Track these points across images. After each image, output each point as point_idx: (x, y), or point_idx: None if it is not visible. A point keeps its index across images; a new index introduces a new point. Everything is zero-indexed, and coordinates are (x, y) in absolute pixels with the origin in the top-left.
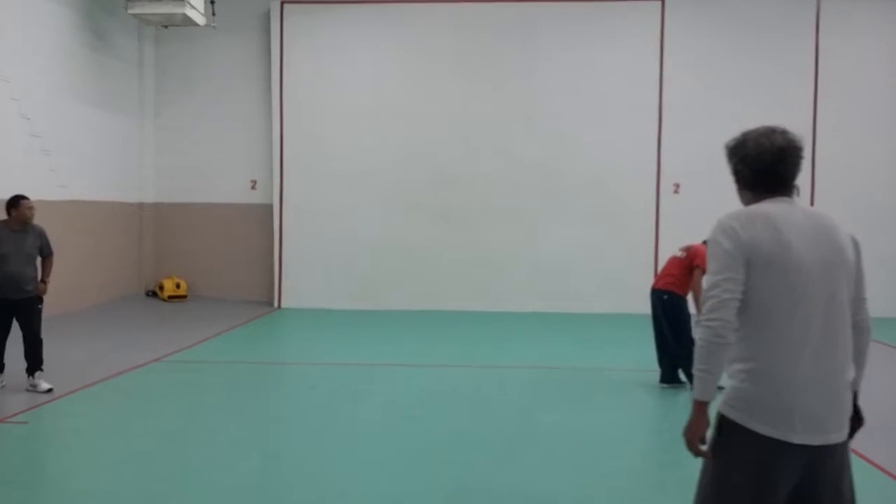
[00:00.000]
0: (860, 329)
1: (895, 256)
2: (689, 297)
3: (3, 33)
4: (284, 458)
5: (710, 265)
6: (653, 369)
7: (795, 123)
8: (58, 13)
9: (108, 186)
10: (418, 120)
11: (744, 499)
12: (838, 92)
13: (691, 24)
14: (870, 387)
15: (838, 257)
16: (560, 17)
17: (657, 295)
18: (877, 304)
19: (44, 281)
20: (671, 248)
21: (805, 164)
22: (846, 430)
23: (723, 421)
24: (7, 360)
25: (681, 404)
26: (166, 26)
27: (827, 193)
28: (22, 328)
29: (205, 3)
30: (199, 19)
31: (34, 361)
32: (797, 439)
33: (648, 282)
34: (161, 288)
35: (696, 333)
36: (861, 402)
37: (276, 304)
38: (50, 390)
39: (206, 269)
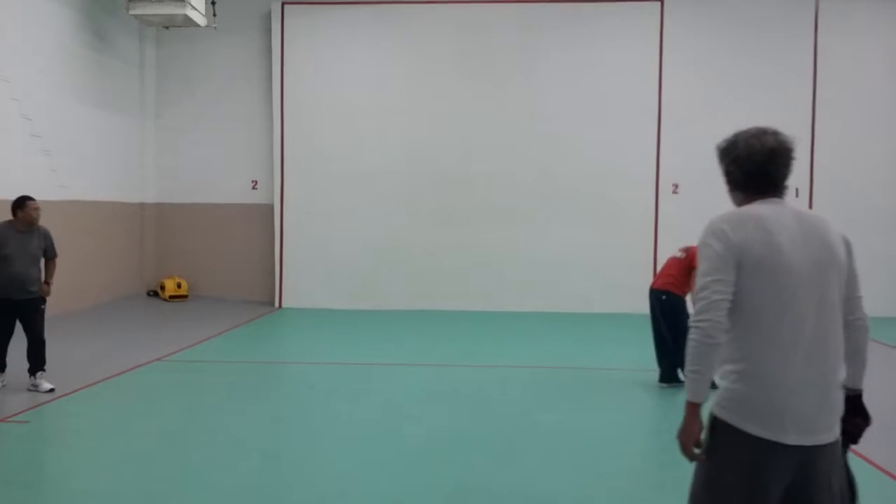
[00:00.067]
0: (857, 328)
1: (894, 256)
2: (688, 298)
3: (4, 33)
4: (284, 458)
5: (701, 266)
6: (652, 369)
7: (794, 123)
8: (59, 14)
9: (109, 187)
10: (419, 120)
11: (736, 499)
12: (837, 92)
13: (690, 24)
14: (870, 387)
15: (829, 258)
16: (560, 17)
17: (656, 295)
18: (876, 304)
19: (47, 283)
20: (670, 249)
21: (803, 165)
22: (837, 430)
23: (714, 422)
24: (8, 359)
25: (680, 404)
26: (167, 27)
27: (825, 193)
28: (25, 329)
29: (206, 3)
30: (200, 20)
31: (36, 362)
32: (788, 440)
33: (647, 282)
34: (162, 288)
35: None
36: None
37: (276, 303)
38: (52, 390)
39: (207, 269)
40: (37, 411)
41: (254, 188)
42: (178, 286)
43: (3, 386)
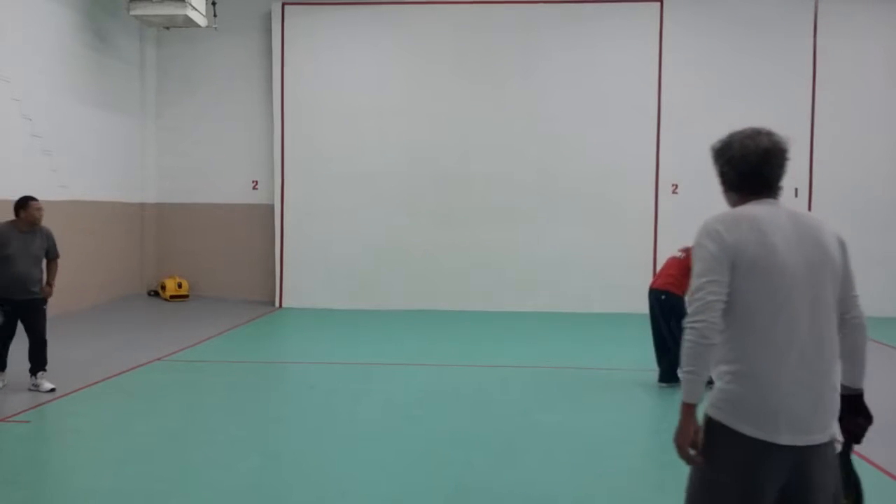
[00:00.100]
0: (854, 326)
1: (893, 256)
2: (688, 298)
3: (4, 34)
4: (284, 458)
5: (696, 267)
6: (652, 369)
7: (793, 123)
8: (59, 14)
9: (109, 187)
10: (419, 120)
11: (731, 500)
12: (836, 92)
13: (690, 24)
14: (870, 387)
15: (823, 258)
16: (559, 17)
17: (655, 295)
18: (876, 304)
19: (49, 284)
20: (670, 248)
21: (803, 165)
22: (832, 430)
23: (709, 422)
24: (9, 360)
25: (680, 403)
26: (168, 27)
27: (825, 193)
28: (27, 329)
29: (206, 4)
30: (201, 20)
31: (38, 362)
32: (783, 440)
33: (647, 282)
34: (163, 287)
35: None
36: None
37: (277, 303)
38: (52, 390)
39: (207, 268)
40: (37, 411)
41: (254, 188)
42: (179, 286)
43: (3, 386)
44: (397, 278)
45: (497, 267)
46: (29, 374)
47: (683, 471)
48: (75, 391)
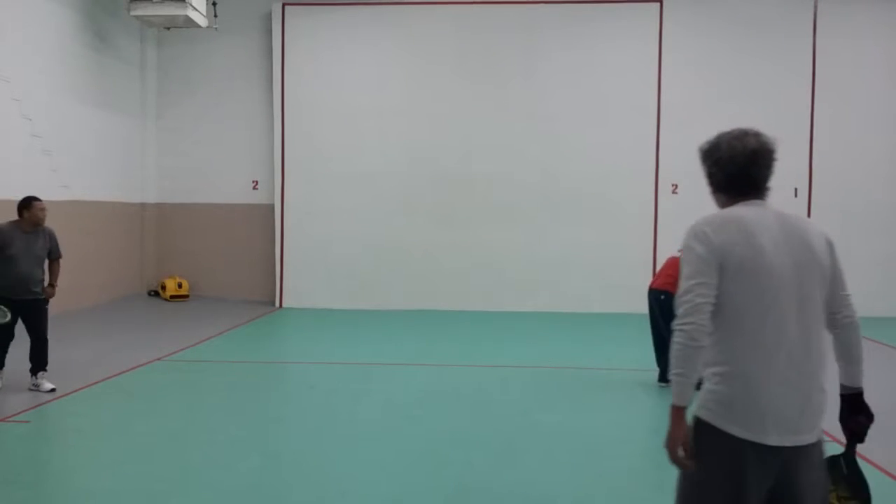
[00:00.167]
0: (846, 325)
1: (893, 256)
2: (676, 300)
3: (5, 34)
4: (284, 458)
5: (684, 270)
6: (651, 368)
7: (793, 124)
8: (59, 14)
9: (109, 187)
10: (419, 121)
11: (719, 501)
12: (835, 92)
13: (690, 24)
14: (870, 387)
15: (811, 258)
16: (560, 17)
17: (654, 295)
18: (876, 304)
19: (52, 285)
20: (670, 248)
21: (802, 165)
22: (819, 431)
23: (698, 424)
24: (11, 359)
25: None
26: (168, 28)
27: (824, 193)
28: (28, 329)
29: (206, 4)
30: (201, 21)
31: (39, 362)
32: (771, 441)
33: (647, 282)
34: (163, 287)
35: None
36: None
37: (277, 303)
38: (53, 390)
39: (207, 268)
40: (38, 411)
41: (254, 188)
42: (179, 286)
43: (0, 386)
44: (397, 278)
45: (497, 267)
46: (29, 374)
47: None
48: (75, 391)
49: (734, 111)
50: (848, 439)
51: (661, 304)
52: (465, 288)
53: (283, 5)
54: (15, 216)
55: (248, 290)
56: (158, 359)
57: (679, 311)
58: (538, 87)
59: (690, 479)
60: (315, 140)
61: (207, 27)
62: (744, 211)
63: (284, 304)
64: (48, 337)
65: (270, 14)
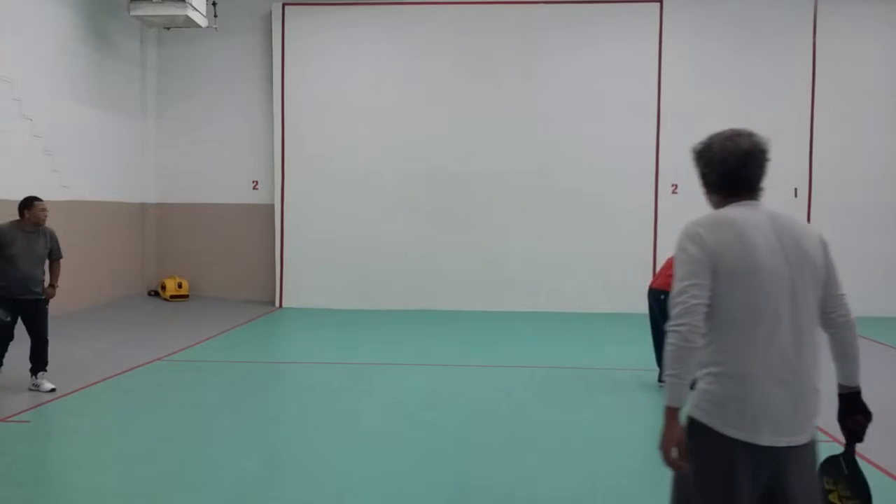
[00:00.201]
0: (841, 325)
1: (892, 256)
2: (670, 301)
3: (5, 34)
4: (284, 458)
5: (678, 271)
6: (652, 368)
7: (793, 124)
8: (60, 14)
9: (110, 187)
10: (419, 120)
11: (712, 499)
12: (836, 92)
13: (690, 24)
14: (870, 387)
15: (804, 259)
16: (559, 18)
17: (654, 294)
18: (876, 304)
19: (52, 285)
20: (669, 248)
21: (803, 165)
22: (812, 431)
23: (691, 424)
24: (11, 359)
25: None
26: (168, 28)
27: (825, 193)
28: (29, 329)
29: (207, 4)
30: (201, 21)
31: (39, 361)
32: (763, 441)
33: (647, 281)
34: (163, 287)
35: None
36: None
37: (277, 303)
38: (53, 390)
39: (207, 268)
40: (38, 411)
41: (254, 188)
42: (179, 286)
43: None
44: (397, 278)
45: (497, 267)
46: (29, 374)
47: None
48: (75, 391)
49: (734, 111)
50: (847, 439)
51: (661, 304)
52: (465, 288)
53: (283, 5)
54: (16, 216)
55: (248, 290)
56: (158, 359)
57: (673, 312)
58: (538, 87)
59: (684, 479)
60: (315, 140)
61: (207, 27)
62: (737, 211)
63: (284, 304)
64: (48, 337)
65: (270, 14)
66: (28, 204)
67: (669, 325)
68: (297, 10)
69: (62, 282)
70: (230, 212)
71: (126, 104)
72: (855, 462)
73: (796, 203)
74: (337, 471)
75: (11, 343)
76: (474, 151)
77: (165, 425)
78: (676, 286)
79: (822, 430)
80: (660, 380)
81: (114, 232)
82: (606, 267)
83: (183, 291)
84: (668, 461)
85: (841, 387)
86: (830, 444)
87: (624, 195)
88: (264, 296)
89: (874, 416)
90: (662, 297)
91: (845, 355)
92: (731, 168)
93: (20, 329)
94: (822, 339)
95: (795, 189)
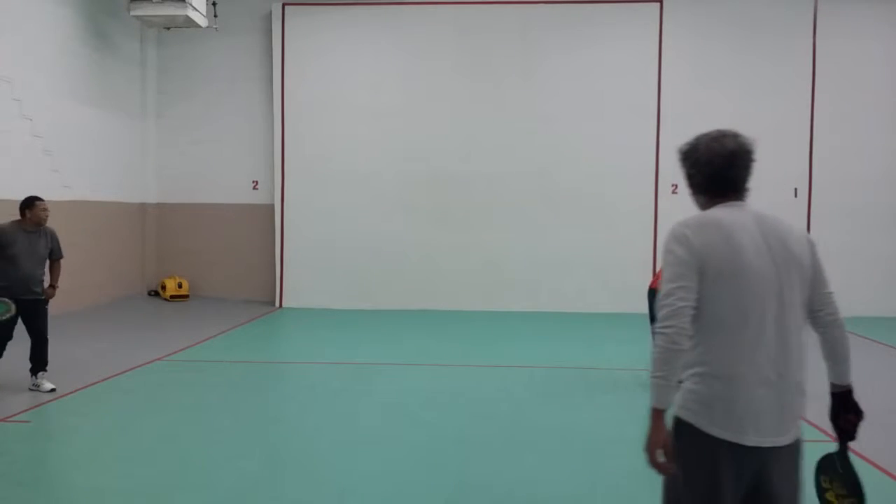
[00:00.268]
0: (829, 323)
1: (892, 256)
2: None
3: (5, 34)
4: (284, 458)
5: (665, 273)
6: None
7: (793, 124)
8: (60, 14)
9: (110, 187)
10: (419, 120)
11: (698, 498)
12: (836, 92)
13: (690, 25)
14: (870, 387)
15: (790, 259)
16: (559, 18)
17: (654, 294)
18: (876, 304)
19: (52, 285)
20: None
21: (803, 165)
22: (797, 431)
23: (678, 424)
24: (11, 359)
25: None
26: (168, 28)
27: (825, 193)
28: (28, 329)
29: (207, 4)
30: (201, 21)
31: (39, 361)
32: (749, 441)
33: (647, 281)
34: (163, 287)
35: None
36: (861, 402)
37: (277, 303)
38: (53, 390)
39: (207, 268)
40: (38, 411)
41: (254, 188)
42: (179, 286)
43: None
44: (397, 278)
45: (497, 267)
46: (29, 374)
47: None
48: (76, 391)
49: (734, 111)
50: (839, 437)
51: None
52: (465, 288)
53: (283, 5)
54: (16, 216)
55: (249, 290)
56: (158, 359)
57: (660, 314)
58: (538, 87)
59: (674, 478)
60: (315, 140)
61: (207, 27)
62: (723, 213)
63: (284, 304)
64: (48, 337)
65: (270, 14)
66: (29, 204)
67: (656, 327)
68: (297, 10)
69: (62, 282)
70: (230, 212)
71: (126, 104)
72: (848, 460)
73: (796, 203)
74: (337, 471)
75: (11, 343)
76: (474, 151)
77: (165, 425)
78: (663, 288)
79: (820, 428)
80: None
81: (114, 232)
82: (606, 267)
83: (183, 291)
84: (654, 463)
85: (832, 386)
86: (830, 443)
87: (624, 195)
88: (264, 296)
89: (875, 417)
90: None
91: (835, 354)
92: (717, 169)
93: (20, 329)
94: (811, 339)
95: (795, 189)
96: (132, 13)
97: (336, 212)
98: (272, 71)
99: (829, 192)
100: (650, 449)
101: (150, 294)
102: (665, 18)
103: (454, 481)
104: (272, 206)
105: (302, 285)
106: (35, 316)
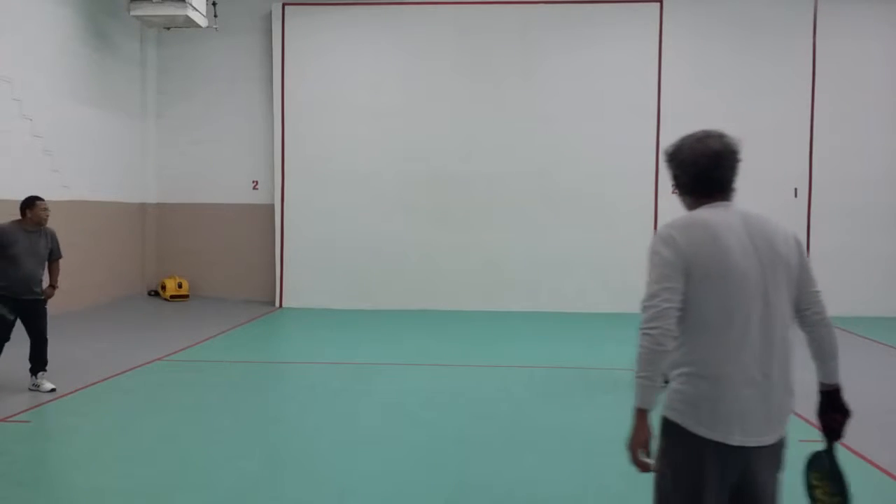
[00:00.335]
0: (816, 322)
1: (892, 256)
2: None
3: (5, 34)
4: (284, 458)
5: (650, 274)
6: None
7: (793, 124)
8: (60, 14)
9: (110, 187)
10: (419, 120)
11: (683, 499)
12: (836, 92)
13: (690, 25)
14: (869, 386)
15: (776, 259)
16: (559, 18)
17: None
18: (876, 304)
19: (52, 286)
20: None
21: (803, 165)
22: (783, 431)
23: (665, 424)
24: (11, 359)
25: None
26: (168, 28)
27: (825, 193)
28: (28, 329)
29: (207, 4)
30: (201, 21)
31: (39, 362)
32: (735, 441)
33: None
34: (163, 287)
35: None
36: (860, 402)
37: (277, 303)
38: (53, 390)
39: (207, 268)
40: (38, 411)
41: (254, 188)
42: (179, 286)
43: None
44: (397, 278)
45: (497, 267)
46: (29, 374)
47: None
48: (75, 391)
49: (734, 111)
50: (826, 436)
51: None
52: (465, 288)
53: (283, 5)
54: (16, 216)
55: (249, 290)
56: (158, 359)
57: (645, 315)
58: (538, 87)
59: (664, 477)
60: (315, 140)
61: (207, 27)
62: (709, 213)
63: (284, 304)
64: (48, 337)
65: (270, 14)
66: (30, 203)
67: (641, 328)
68: (297, 10)
69: (62, 282)
70: (230, 212)
71: (126, 104)
72: (834, 459)
73: (796, 203)
74: (337, 471)
75: (11, 344)
76: (474, 151)
77: (165, 425)
78: (649, 289)
79: (818, 427)
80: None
81: (114, 232)
82: (606, 267)
83: (183, 291)
84: (636, 461)
85: (820, 385)
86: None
87: (624, 195)
88: (264, 296)
89: (874, 416)
90: None
91: (823, 353)
92: (703, 169)
93: (19, 329)
94: (798, 338)
95: (795, 189)
96: (132, 13)
97: (336, 212)
98: (272, 71)
99: (829, 192)
100: (632, 448)
101: (150, 294)
102: (665, 18)
103: (454, 481)
104: (272, 206)
105: (302, 285)
106: (35, 316)
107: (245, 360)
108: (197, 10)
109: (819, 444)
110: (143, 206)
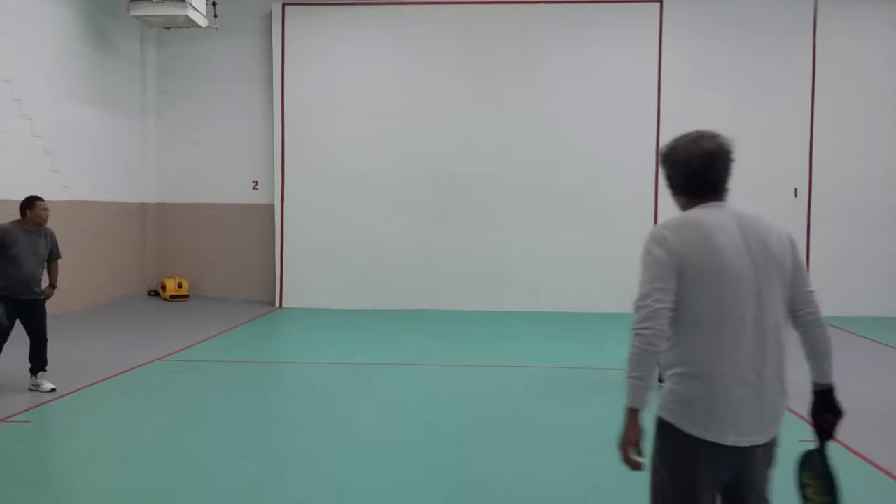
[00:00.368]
0: (809, 322)
1: (892, 256)
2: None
3: (5, 34)
4: (284, 458)
5: (643, 274)
6: None
7: (793, 124)
8: (60, 14)
9: (110, 187)
10: (419, 120)
11: (677, 498)
12: (836, 92)
13: (690, 25)
14: (869, 387)
15: (770, 259)
16: (559, 18)
17: None
18: (876, 304)
19: (52, 285)
20: None
21: (803, 165)
22: (775, 431)
23: (659, 423)
24: (11, 359)
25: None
26: (168, 28)
27: (825, 193)
28: (28, 329)
29: (207, 4)
30: (201, 21)
31: (38, 362)
32: (728, 441)
33: None
34: (163, 287)
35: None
36: (860, 402)
37: (277, 303)
38: (53, 390)
39: (207, 268)
40: (38, 411)
41: (254, 188)
42: (179, 286)
43: None
44: (397, 278)
45: (497, 267)
46: (29, 374)
47: None
48: (75, 391)
49: (734, 111)
50: (817, 435)
51: None
52: (465, 288)
53: (283, 5)
54: (16, 216)
55: (249, 290)
56: (158, 359)
57: (637, 315)
58: (538, 87)
59: (659, 477)
60: (315, 140)
61: (207, 27)
62: (702, 213)
63: (284, 304)
64: (48, 337)
65: (270, 14)
66: (30, 203)
67: (633, 328)
68: (297, 10)
69: (62, 282)
70: (230, 212)
71: (126, 104)
72: (826, 459)
73: (796, 203)
74: (337, 471)
75: (10, 344)
76: (474, 151)
77: (165, 425)
78: (641, 289)
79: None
80: (659, 380)
81: (114, 232)
82: (606, 267)
83: (183, 291)
84: (626, 460)
85: (814, 384)
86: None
87: (624, 195)
88: (264, 296)
89: (874, 416)
90: None
91: (816, 353)
92: (696, 169)
93: (19, 329)
94: (792, 338)
95: (795, 189)
96: (132, 13)
97: (336, 212)
98: (272, 71)
99: (829, 192)
100: (623, 447)
101: (150, 294)
102: (665, 18)
103: (454, 481)
104: (272, 206)
105: (302, 285)
106: (35, 316)
107: (245, 360)
108: (197, 10)
109: (812, 444)
110: (143, 206)
